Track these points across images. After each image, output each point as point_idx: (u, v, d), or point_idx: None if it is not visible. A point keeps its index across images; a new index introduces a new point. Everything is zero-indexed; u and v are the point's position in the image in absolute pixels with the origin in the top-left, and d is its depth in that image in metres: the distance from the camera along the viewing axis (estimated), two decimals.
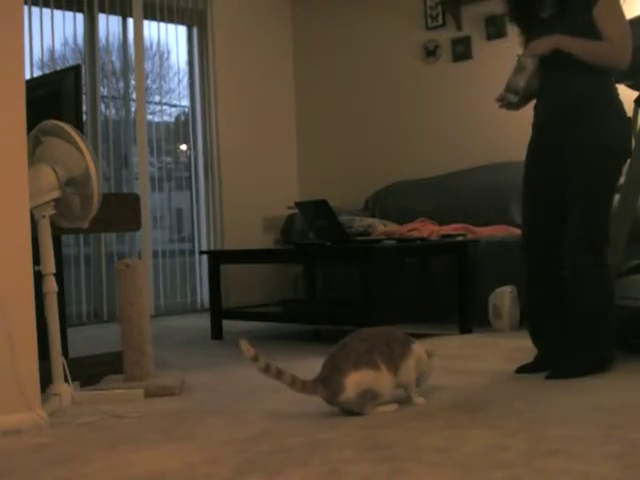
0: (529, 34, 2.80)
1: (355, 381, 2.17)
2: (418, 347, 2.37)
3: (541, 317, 2.83)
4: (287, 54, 6.41)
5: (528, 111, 2.88)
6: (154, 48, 5.85)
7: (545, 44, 2.66)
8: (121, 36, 5.63)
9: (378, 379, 2.20)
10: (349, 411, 2.21)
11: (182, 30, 6.03)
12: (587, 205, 2.66)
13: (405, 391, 2.34)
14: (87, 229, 2.57)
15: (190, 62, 6.04)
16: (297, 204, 4.26)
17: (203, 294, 5.90)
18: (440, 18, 5.50)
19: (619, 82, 3.19)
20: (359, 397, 2.18)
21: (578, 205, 2.67)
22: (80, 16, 5.34)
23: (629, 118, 2.78)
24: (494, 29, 5.19)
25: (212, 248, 5.82)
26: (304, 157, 6.39)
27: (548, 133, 2.77)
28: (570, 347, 2.70)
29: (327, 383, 2.19)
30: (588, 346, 2.68)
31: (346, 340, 2.27)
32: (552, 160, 2.74)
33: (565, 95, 2.70)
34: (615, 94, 2.72)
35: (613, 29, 2.60)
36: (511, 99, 2.75)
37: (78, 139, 2.45)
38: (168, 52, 5.97)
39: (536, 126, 2.83)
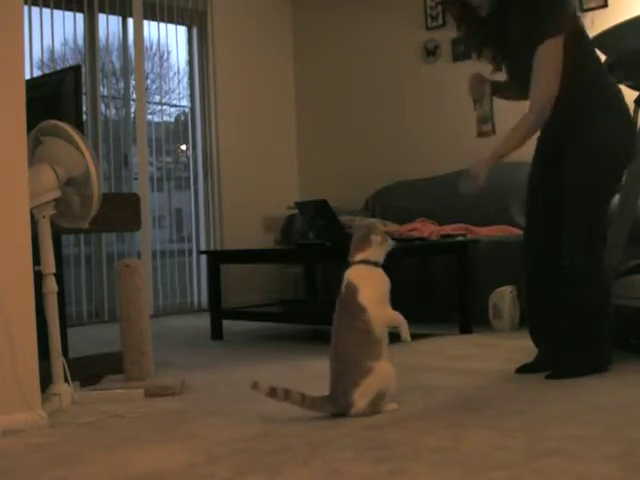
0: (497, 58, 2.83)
1: (362, 394, 2.17)
2: (366, 289, 2.24)
3: (541, 317, 2.83)
4: (287, 54, 6.41)
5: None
6: (154, 48, 5.85)
7: (483, 168, 2.67)
8: (121, 36, 5.63)
9: (379, 378, 2.20)
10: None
11: (182, 30, 6.03)
12: (584, 206, 2.66)
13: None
14: (87, 229, 2.56)
15: (190, 62, 6.04)
16: (297, 204, 4.26)
17: (203, 294, 5.90)
18: (440, 18, 5.50)
19: (619, 82, 3.18)
20: (370, 405, 2.18)
21: (575, 206, 2.67)
22: (80, 16, 5.34)
23: (632, 119, 2.77)
24: None
25: (212, 248, 5.82)
26: (304, 157, 6.39)
27: (550, 136, 2.78)
28: (569, 347, 2.70)
29: (335, 402, 2.20)
30: (586, 346, 2.68)
31: (332, 366, 2.24)
32: (554, 161, 2.74)
33: (562, 104, 2.70)
34: (614, 96, 2.71)
35: (534, 86, 2.61)
36: (488, 129, 2.88)
37: (78, 139, 2.45)
38: (168, 52, 5.97)
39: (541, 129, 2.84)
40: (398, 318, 2.27)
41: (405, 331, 2.27)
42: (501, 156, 2.69)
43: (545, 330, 2.81)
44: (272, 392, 2.18)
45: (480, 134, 2.87)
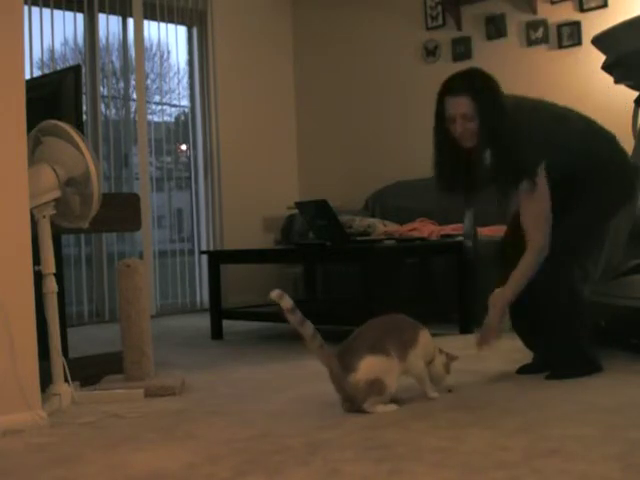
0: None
1: (369, 365, 2.19)
2: (426, 334, 2.40)
3: (526, 321, 2.83)
4: (287, 54, 6.41)
5: None
6: (154, 48, 5.85)
7: (492, 335, 2.69)
8: (121, 36, 5.63)
9: (388, 367, 2.22)
10: (349, 408, 2.22)
11: (182, 30, 6.03)
12: (571, 224, 2.66)
13: (418, 384, 2.38)
14: (87, 229, 2.57)
15: (190, 62, 6.04)
16: (297, 204, 4.26)
17: (203, 294, 5.90)
18: (440, 18, 5.50)
19: (619, 82, 3.18)
20: (367, 385, 2.19)
21: (575, 223, 2.67)
22: (80, 16, 5.34)
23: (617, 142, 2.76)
24: (494, 29, 5.20)
25: (212, 248, 5.82)
26: (304, 157, 6.39)
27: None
28: (564, 349, 2.69)
29: (342, 359, 2.22)
30: (574, 346, 2.67)
31: (361, 329, 2.33)
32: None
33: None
34: (619, 168, 2.72)
35: (528, 220, 2.63)
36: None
37: (78, 139, 2.45)
38: (168, 52, 5.97)
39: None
40: (424, 375, 2.40)
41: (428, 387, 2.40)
42: (508, 301, 2.73)
43: (535, 333, 2.81)
44: (292, 310, 2.22)
45: None
